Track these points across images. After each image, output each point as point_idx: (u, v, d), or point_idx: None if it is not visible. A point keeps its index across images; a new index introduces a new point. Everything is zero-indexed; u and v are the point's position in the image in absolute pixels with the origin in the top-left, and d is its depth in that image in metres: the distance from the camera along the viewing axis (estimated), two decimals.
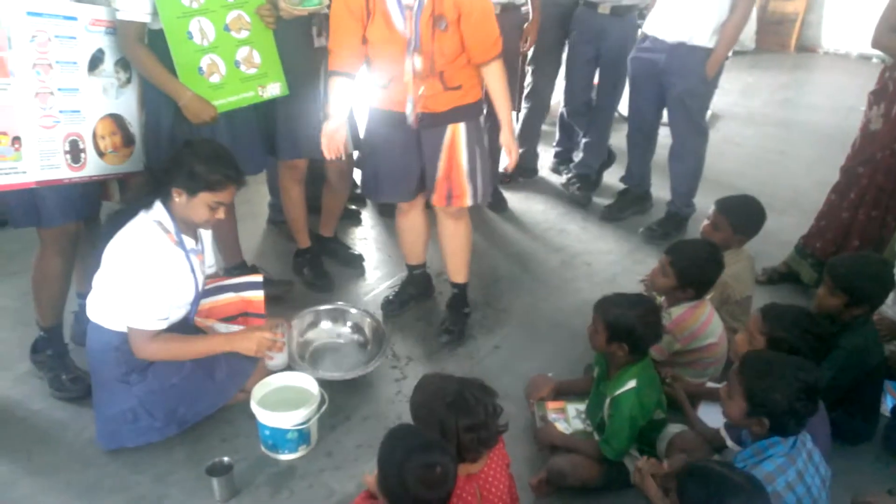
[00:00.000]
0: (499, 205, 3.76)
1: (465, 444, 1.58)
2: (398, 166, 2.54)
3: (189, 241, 2.12)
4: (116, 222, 2.04)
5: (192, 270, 2.12)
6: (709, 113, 5.10)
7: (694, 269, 2.28)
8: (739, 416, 1.68)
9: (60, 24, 2.09)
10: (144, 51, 2.25)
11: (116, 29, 2.23)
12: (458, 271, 2.77)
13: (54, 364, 2.41)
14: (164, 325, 2.05)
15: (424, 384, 1.69)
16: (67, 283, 2.37)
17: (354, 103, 2.77)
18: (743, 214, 2.58)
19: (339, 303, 2.80)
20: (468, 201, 2.54)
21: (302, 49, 2.56)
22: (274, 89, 2.49)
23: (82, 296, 2.45)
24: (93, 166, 2.23)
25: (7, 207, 2.20)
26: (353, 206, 3.65)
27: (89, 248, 2.29)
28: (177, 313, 2.13)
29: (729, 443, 1.97)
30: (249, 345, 2.12)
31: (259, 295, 2.38)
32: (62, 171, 2.14)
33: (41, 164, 2.08)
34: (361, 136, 2.82)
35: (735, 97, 5.63)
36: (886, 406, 2.39)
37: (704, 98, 3.33)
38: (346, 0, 2.27)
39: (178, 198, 2.03)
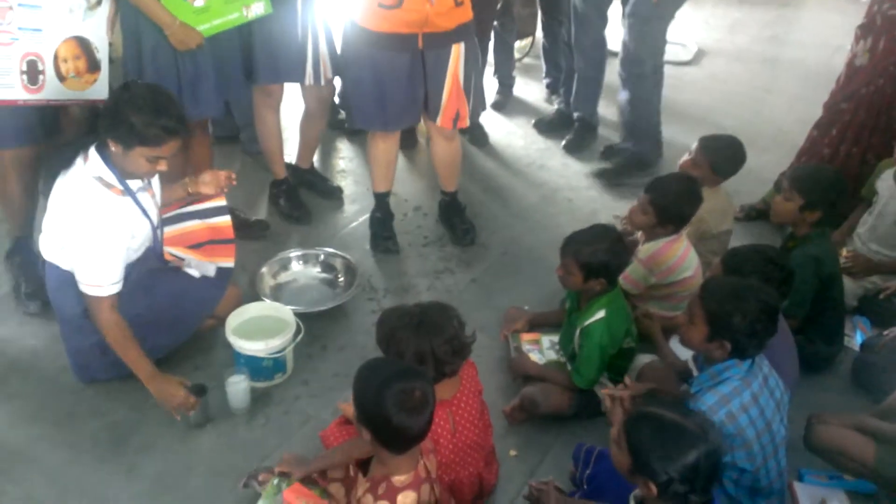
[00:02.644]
0: (480, 139, 3.71)
1: (442, 358, 1.60)
2: (406, 92, 2.48)
3: (135, 182, 1.99)
4: (54, 167, 1.93)
5: (144, 211, 2.03)
6: (694, 50, 5.04)
7: (674, 206, 2.27)
8: (700, 341, 1.69)
9: None
10: None
11: None
12: (452, 182, 2.89)
13: (18, 272, 2.42)
14: (117, 289, 1.94)
15: (384, 318, 1.69)
16: (32, 199, 2.34)
17: (332, 24, 2.69)
18: (723, 156, 2.56)
19: (307, 249, 2.74)
20: (468, 121, 2.60)
21: None
22: (258, 8, 2.39)
23: None
24: (51, 90, 2.12)
25: None
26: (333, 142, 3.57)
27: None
28: (135, 255, 2.05)
29: (696, 373, 1.99)
30: (169, 399, 1.97)
31: (226, 220, 2.29)
32: (17, 92, 2.05)
33: None
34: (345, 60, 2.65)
35: (722, 33, 5.53)
36: (856, 341, 2.44)
37: (649, 23, 3.10)
38: None
39: (114, 149, 1.87)
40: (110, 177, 1.93)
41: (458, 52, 2.45)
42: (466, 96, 2.55)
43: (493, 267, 2.82)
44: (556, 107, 3.97)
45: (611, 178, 3.38)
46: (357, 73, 2.50)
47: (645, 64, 3.16)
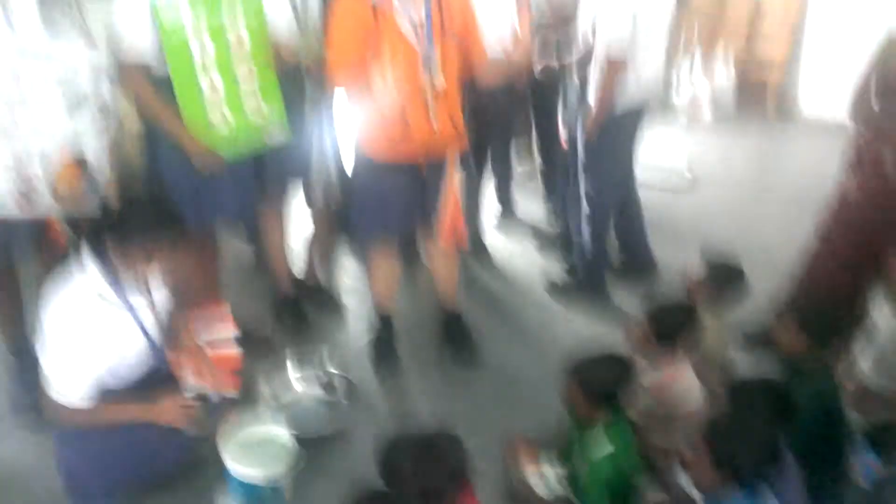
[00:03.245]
0: (481, 256, 3.77)
1: (444, 491, 1.60)
2: (403, 199, 2.56)
3: (132, 291, 1.99)
4: (52, 281, 1.96)
5: (140, 323, 2.02)
6: (687, 176, 5.22)
7: (672, 331, 2.29)
8: (707, 482, 1.67)
9: (45, 65, 2.04)
10: (150, 93, 2.27)
11: (122, 73, 2.25)
12: (452, 300, 2.96)
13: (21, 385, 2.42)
14: (83, 404, 1.93)
15: (386, 450, 1.67)
16: (14, 303, 2.39)
17: (341, 150, 2.82)
18: (725, 280, 2.61)
19: (310, 364, 2.73)
20: (466, 242, 2.71)
21: (298, 99, 2.61)
22: (278, 136, 2.52)
23: None
24: (44, 207, 2.16)
25: None
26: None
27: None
28: (129, 372, 2.04)
29: None
30: (173, 417, 2.00)
31: (234, 351, 2.33)
32: (9, 208, 2.10)
33: None
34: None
35: (716, 162, 5.74)
36: (862, 475, 2.38)
37: (592, 162, 3.21)
38: (353, 12, 2.26)
39: (113, 250, 1.90)
40: (106, 288, 1.93)
41: (456, 175, 2.57)
42: (465, 217, 2.67)
43: (495, 389, 2.80)
44: (555, 228, 4.07)
45: (562, 296, 3.46)
46: (361, 197, 2.61)
47: (595, 201, 3.28)
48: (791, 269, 3.34)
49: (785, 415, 1.90)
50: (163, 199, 2.10)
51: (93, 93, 2.19)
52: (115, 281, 1.94)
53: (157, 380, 2.12)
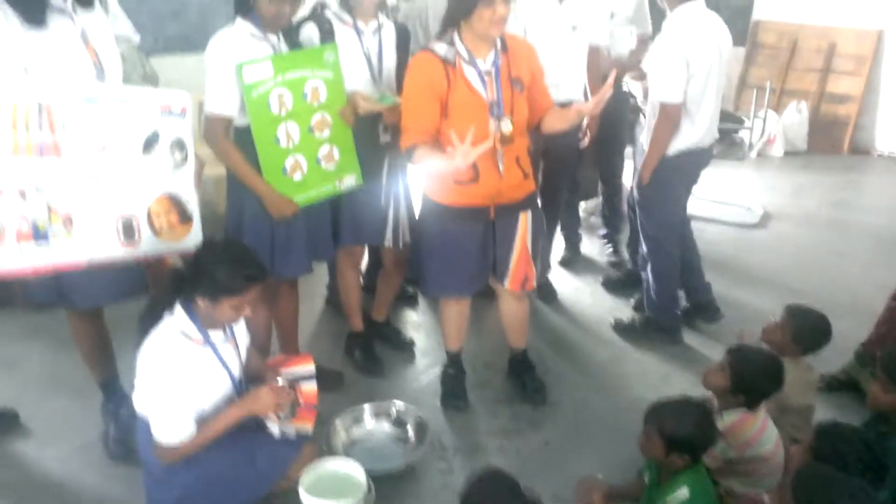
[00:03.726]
0: (548, 296, 3.78)
1: None
2: (478, 260, 2.60)
3: (217, 335, 2.09)
4: (145, 325, 2.03)
5: (224, 364, 2.11)
6: (759, 213, 5.11)
7: (751, 379, 2.23)
8: None
9: (115, 108, 2.12)
10: (231, 146, 2.38)
11: (206, 122, 2.36)
12: (521, 339, 2.95)
13: (108, 418, 2.53)
14: (188, 439, 2.01)
15: (472, 494, 1.67)
16: (103, 343, 2.50)
17: (412, 192, 2.89)
18: (808, 330, 2.54)
19: (381, 400, 2.78)
20: (535, 283, 2.72)
21: (370, 143, 2.70)
22: (350, 181, 2.62)
23: None
24: (147, 244, 2.23)
25: (29, 288, 2.25)
26: (411, 289, 3.69)
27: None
28: (214, 409, 2.10)
29: None
30: (263, 405, 2.07)
31: (312, 386, 2.36)
32: (115, 249, 2.15)
33: (93, 242, 2.09)
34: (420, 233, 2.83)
35: (787, 197, 5.61)
36: None
37: (646, 202, 3.26)
38: (426, 75, 2.36)
39: (201, 303, 1.99)
40: (192, 329, 2.02)
41: (525, 219, 2.60)
42: (533, 260, 2.68)
43: (564, 429, 2.78)
44: (620, 264, 4.08)
45: (630, 336, 3.43)
46: (431, 244, 2.62)
47: (652, 242, 3.29)
48: (870, 308, 3.23)
49: (874, 470, 1.82)
50: (243, 245, 2.17)
51: (162, 128, 2.25)
52: (199, 321, 2.04)
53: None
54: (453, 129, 2.26)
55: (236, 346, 2.18)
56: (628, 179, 4.07)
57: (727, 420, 2.26)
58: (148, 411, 1.99)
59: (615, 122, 3.82)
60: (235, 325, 2.16)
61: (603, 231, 4.38)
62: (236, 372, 2.17)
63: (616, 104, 3.70)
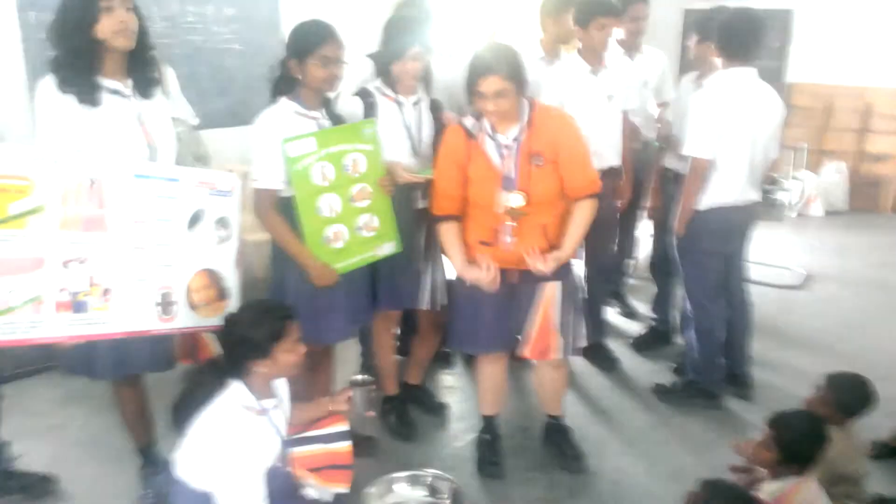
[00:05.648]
0: (605, 363, 3.71)
1: None
2: (496, 318, 2.61)
3: (268, 402, 2.13)
4: (188, 406, 2.04)
5: (277, 430, 2.14)
6: (802, 273, 5.02)
7: (797, 444, 2.16)
8: None
9: (164, 185, 2.18)
10: (278, 218, 2.44)
11: (255, 195, 2.44)
12: (556, 407, 2.93)
13: (145, 483, 2.56)
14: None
15: None
16: (143, 409, 2.53)
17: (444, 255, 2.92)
18: (850, 395, 2.46)
19: (415, 466, 2.75)
20: (559, 354, 2.62)
21: (407, 208, 2.76)
22: (389, 248, 2.66)
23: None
24: (184, 318, 2.25)
25: (66, 355, 2.25)
26: (447, 349, 3.69)
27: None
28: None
29: None
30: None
31: (346, 446, 2.35)
32: (151, 323, 2.17)
33: (130, 315, 2.11)
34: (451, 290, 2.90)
35: (830, 257, 5.51)
36: None
37: (683, 259, 3.25)
38: (451, 145, 2.52)
39: (261, 368, 2.05)
40: (251, 400, 2.07)
41: (552, 290, 2.57)
42: (562, 332, 2.61)
43: (604, 498, 2.69)
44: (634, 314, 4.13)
45: (671, 400, 3.36)
46: (458, 298, 2.70)
47: (693, 300, 3.28)
48: None
49: None
50: (257, 300, 2.23)
51: (208, 206, 2.31)
52: (255, 392, 2.08)
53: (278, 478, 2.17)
54: (474, 207, 2.49)
55: (281, 410, 2.21)
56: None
57: (778, 489, 2.19)
58: (220, 486, 1.98)
59: (637, 183, 3.85)
60: (284, 390, 2.21)
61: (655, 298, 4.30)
62: (283, 435, 2.19)
63: (638, 167, 3.79)
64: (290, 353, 2.08)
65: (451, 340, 2.84)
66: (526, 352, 2.65)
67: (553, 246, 2.53)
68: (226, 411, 2.03)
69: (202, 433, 2.02)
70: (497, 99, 2.34)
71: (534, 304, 2.58)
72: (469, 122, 2.51)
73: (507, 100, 2.36)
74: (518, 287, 2.58)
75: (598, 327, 3.71)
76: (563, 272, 2.58)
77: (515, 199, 2.45)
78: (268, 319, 2.06)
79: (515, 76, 2.35)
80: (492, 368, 2.79)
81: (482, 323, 2.63)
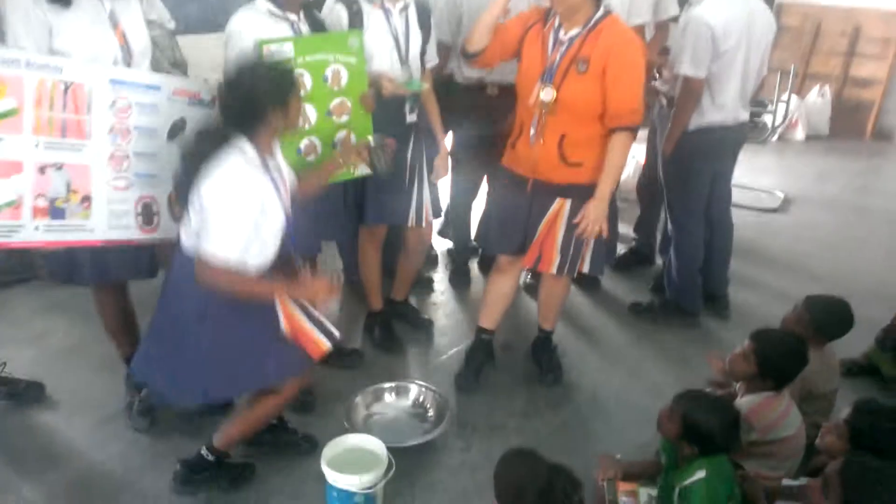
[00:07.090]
0: (586, 282, 3.68)
1: None
2: (506, 221, 2.67)
3: (271, 163, 2.03)
4: (196, 160, 1.93)
5: (278, 190, 2.02)
6: (780, 197, 5.06)
7: (778, 361, 2.23)
8: None
9: (142, 93, 2.14)
10: None
11: (204, 100, 2.33)
12: (549, 319, 2.98)
13: (131, 390, 2.58)
14: (234, 262, 1.92)
15: (513, 463, 1.69)
16: (127, 317, 2.52)
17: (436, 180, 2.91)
18: (830, 318, 2.51)
19: (400, 379, 2.82)
20: (553, 269, 2.63)
21: (396, 122, 2.68)
22: (364, 168, 2.58)
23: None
24: (165, 230, 2.24)
25: (48, 262, 2.25)
26: (427, 275, 3.73)
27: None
28: (273, 247, 2.04)
29: None
30: (309, 293, 2.09)
31: (325, 344, 2.19)
32: (132, 232, 2.18)
33: (110, 223, 2.12)
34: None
35: (809, 182, 5.56)
36: None
37: (670, 179, 3.29)
38: (526, 17, 2.55)
39: (275, 118, 1.95)
40: (253, 155, 1.95)
41: (561, 206, 2.54)
42: (563, 248, 2.58)
43: (583, 411, 2.79)
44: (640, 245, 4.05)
45: (647, 318, 3.44)
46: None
47: (676, 221, 3.33)
48: (892, 294, 3.20)
49: None
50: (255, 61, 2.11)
51: (189, 116, 2.26)
52: (258, 147, 1.97)
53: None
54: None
55: (286, 184, 2.10)
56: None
57: (750, 401, 2.26)
58: (208, 225, 1.90)
59: None
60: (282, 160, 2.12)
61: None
62: (288, 206, 2.08)
63: None
64: (298, 106, 2.02)
65: (479, 239, 3.27)
66: (526, 259, 2.68)
67: (567, 161, 2.49)
68: (230, 161, 1.91)
69: (210, 180, 1.90)
70: None
71: (543, 214, 2.58)
72: (550, 10, 2.49)
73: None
74: (533, 198, 2.58)
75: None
76: (579, 192, 2.50)
77: (547, 93, 2.43)
78: (282, 72, 2.01)
79: None
80: (501, 280, 2.82)
81: (496, 222, 2.72)
